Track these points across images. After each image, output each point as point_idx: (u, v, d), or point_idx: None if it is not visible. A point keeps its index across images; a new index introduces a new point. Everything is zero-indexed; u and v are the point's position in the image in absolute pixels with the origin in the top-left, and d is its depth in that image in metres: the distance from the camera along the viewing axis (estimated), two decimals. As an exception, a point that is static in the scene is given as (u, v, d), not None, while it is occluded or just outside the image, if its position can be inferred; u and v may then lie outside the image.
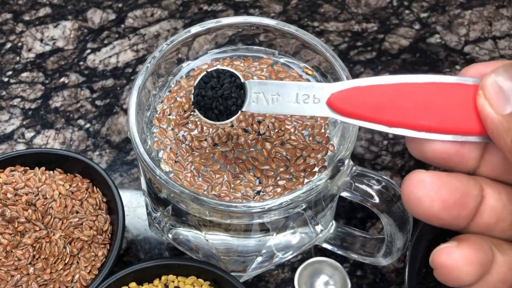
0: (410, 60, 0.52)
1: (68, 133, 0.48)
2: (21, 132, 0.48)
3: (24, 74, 0.52)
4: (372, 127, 0.26)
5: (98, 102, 0.50)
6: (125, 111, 0.49)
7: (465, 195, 0.25)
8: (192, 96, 0.30)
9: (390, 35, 0.54)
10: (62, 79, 0.51)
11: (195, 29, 0.36)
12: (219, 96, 0.29)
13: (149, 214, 0.39)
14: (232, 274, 0.37)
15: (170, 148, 0.34)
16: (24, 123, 0.49)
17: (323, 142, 0.34)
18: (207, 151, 0.34)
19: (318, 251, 0.42)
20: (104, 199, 0.40)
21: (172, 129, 0.34)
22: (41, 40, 0.54)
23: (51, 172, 0.41)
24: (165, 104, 0.35)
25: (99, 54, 0.53)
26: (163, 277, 0.37)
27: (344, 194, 0.32)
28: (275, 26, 0.36)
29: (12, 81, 0.51)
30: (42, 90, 0.51)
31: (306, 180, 0.33)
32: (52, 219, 0.39)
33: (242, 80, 0.29)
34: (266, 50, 0.37)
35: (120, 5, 0.56)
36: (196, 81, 0.30)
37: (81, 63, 0.52)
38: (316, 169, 0.33)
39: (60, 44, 0.53)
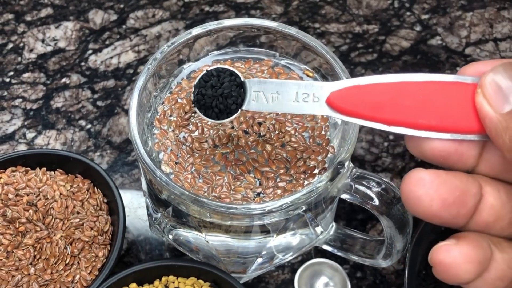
0: (411, 62, 0.53)
1: (69, 133, 0.48)
2: (22, 133, 0.49)
3: (26, 75, 0.52)
4: (371, 126, 0.26)
5: (99, 103, 0.50)
6: (126, 112, 0.49)
7: (464, 193, 0.25)
8: (192, 95, 0.30)
9: (391, 37, 0.54)
10: (63, 80, 0.51)
11: (196, 30, 0.36)
12: (219, 95, 0.29)
13: (149, 215, 0.39)
14: (232, 275, 0.37)
15: (171, 150, 0.34)
16: (26, 123, 0.49)
17: (324, 144, 0.34)
18: (208, 152, 0.34)
19: (318, 252, 0.42)
20: (105, 200, 0.41)
21: (173, 131, 0.34)
22: (43, 41, 0.54)
23: (52, 172, 0.41)
24: (166, 106, 0.35)
25: (101, 55, 0.53)
26: (164, 278, 0.37)
27: (344, 196, 0.32)
28: (276, 28, 0.36)
29: (13, 81, 0.51)
30: (44, 90, 0.51)
31: (306, 182, 0.33)
32: (53, 219, 0.39)
33: (242, 79, 0.29)
34: (267, 52, 0.38)
35: (121, 6, 0.56)
36: (196, 80, 0.30)
37: (83, 63, 0.52)
38: (316, 171, 0.33)
39: (61, 44, 0.54)
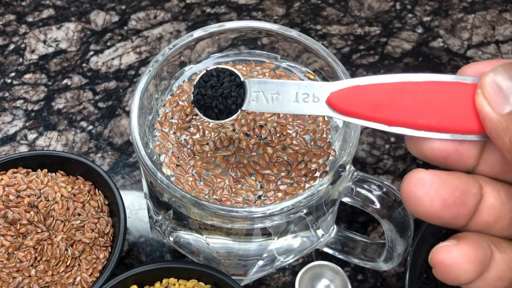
0: (412, 64, 0.52)
1: (70, 135, 0.48)
2: (23, 134, 0.49)
3: (27, 76, 0.52)
4: (371, 126, 0.26)
5: (100, 104, 0.50)
6: (128, 114, 0.49)
7: (464, 193, 0.25)
8: (192, 95, 0.30)
9: (392, 39, 0.54)
10: (65, 81, 0.51)
11: (197, 33, 0.36)
12: (219, 95, 0.29)
13: (150, 217, 0.39)
14: (233, 277, 0.37)
15: (172, 152, 0.34)
16: (27, 124, 0.49)
17: (325, 147, 0.34)
18: (209, 155, 0.34)
19: (319, 255, 0.42)
20: (106, 202, 0.41)
21: (174, 133, 0.34)
22: (44, 42, 0.54)
23: (54, 174, 0.41)
24: (167, 108, 0.35)
25: (102, 56, 0.53)
26: (164, 280, 0.37)
27: (345, 199, 0.32)
28: (277, 31, 0.36)
29: (15, 82, 0.51)
30: (45, 91, 0.51)
31: (307, 185, 0.33)
32: (54, 221, 0.39)
33: (242, 79, 0.29)
34: (268, 54, 0.38)
35: (123, 7, 0.56)
36: (196, 80, 0.30)
37: (84, 65, 0.52)
38: (317, 174, 0.33)
39: (63, 45, 0.54)
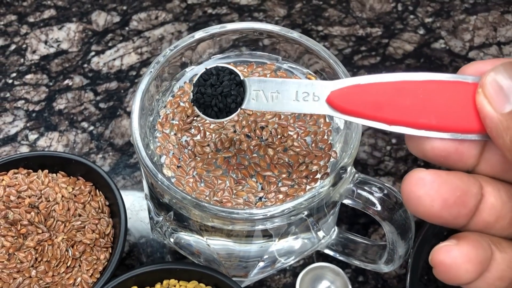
0: (414, 65, 0.52)
1: (71, 135, 0.48)
2: (24, 134, 0.49)
3: (28, 76, 0.52)
4: (372, 125, 0.26)
5: (101, 105, 0.50)
6: (129, 114, 0.49)
7: (465, 193, 0.25)
8: (191, 94, 0.30)
9: (394, 40, 0.54)
10: (66, 82, 0.51)
11: (199, 34, 0.36)
12: (219, 94, 0.29)
13: (151, 218, 0.39)
14: (234, 279, 0.37)
15: (173, 153, 0.34)
16: (28, 125, 0.49)
17: (326, 149, 0.34)
18: (210, 156, 0.34)
19: (320, 256, 0.42)
20: (107, 203, 0.40)
21: (175, 134, 0.34)
22: (46, 42, 0.54)
23: (54, 175, 0.41)
24: (168, 109, 0.35)
25: (103, 57, 0.53)
26: (165, 281, 0.37)
27: (346, 201, 0.32)
28: (278, 32, 0.36)
29: (16, 83, 0.51)
30: (46, 92, 0.51)
31: (308, 187, 0.33)
32: (55, 222, 0.39)
33: (242, 78, 0.29)
34: (269, 55, 0.38)
35: (124, 7, 0.56)
36: (196, 79, 0.30)
37: (85, 65, 0.52)
38: (318, 175, 0.33)
39: (64, 46, 0.54)
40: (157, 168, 0.31)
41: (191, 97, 0.30)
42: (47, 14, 0.56)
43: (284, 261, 0.38)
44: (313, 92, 0.28)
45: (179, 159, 0.34)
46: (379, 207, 0.31)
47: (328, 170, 0.33)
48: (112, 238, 0.39)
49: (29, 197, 0.39)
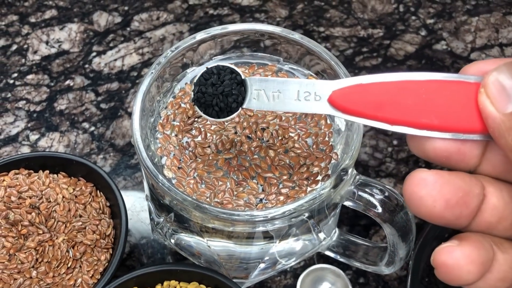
0: (415, 67, 0.52)
1: (72, 136, 0.48)
2: (25, 135, 0.49)
3: (30, 77, 0.52)
4: (373, 125, 0.26)
5: (103, 105, 0.50)
6: (130, 115, 0.49)
7: (467, 194, 0.24)
8: (192, 93, 0.30)
9: (396, 41, 0.54)
10: (67, 82, 0.51)
11: (200, 35, 0.36)
12: (220, 93, 0.29)
13: (152, 219, 0.39)
14: (234, 280, 0.37)
15: (174, 155, 0.34)
16: (29, 125, 0.49)
17: (327, 151, 0.34)
18: (211, 157, 0.34)
19: (321, 258, 0.42)
20: (108, 203, 0.40)
21: (176, 135, 0.34)
22: (47, 43, 0.54)
23: (55, 175, 0.41)
24: (169, 110, 0.35)
25: (105, 57, 0.53)
26: (165, 283, 0.37)
27: (347, 203, 0.32)
28: (279, 33, 0.36)
29: (17, 83, 0.51)
30: (47, 92, 0.51)
31: (309, 189, 0.33)
32: (56, 222, 0.39)
33: (243, 77, 0.29)
34: (271, 56, 0.37)
35: (126, 8, 0.56)
36: (196, 78, 0.30)
37: (87, 66, 0.52)
38: (319, 177, 0.33)
39: (65, 46, 0.54)
40: (158, 169, 0.31)
41: (192, 96, 0.30)
42: (48, 14, 0.56)
43: (285, 262, 0.38)
44: (314, 92, 0.27)
45: (180, 160, 0.33)
46: (380, 209, 0.31)
47: (329, 172, 0.33)
48: (112, 239, 0.39)
49: (30, 197, 0.39)
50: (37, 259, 0.38)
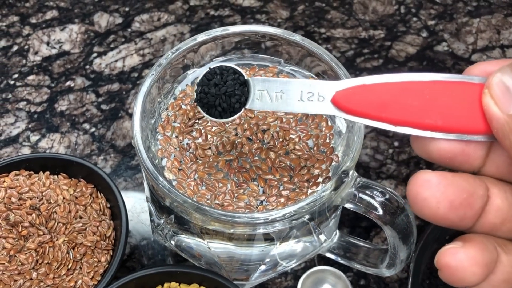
0: (417, 68, 0.52)
1: (73, 137, 0.48)
2: (26, 136, 0.49)
3: (30, 77, 0.52)
4: (377, 126, 0.26)
5: (103, 106, 0.50)
6: (131, 116, 0.49)
7: (471, 195, 0.24)
8: (194, 93, 0.30)
9: (397, 43, 0.54)
10: (68, 83, 0.51)
11: (201, 37, 0.35)
12: (223, 94, 0.29)
13: (152, 220, 0.39)
14: (235, 282, 0.37)
15: (174, 156, 0.34)
16: (30, 126, 0.49)
17: (328, 153, 0.34)
18: (211, 159, 0.33)
19: (322, 259, 0.42)
20: (108, 205, 0.40)
21: (177, 137, 0.34)
22: (48, 43, 0.54)
23: (56, 176, 0.41)
24: (170, 112, 0.35)
25: (105, 58, 0.53)
26: (166, 284, 0.37)
27: (348, 205, 0.32)
28: (280, 35, 0.36)
29: (18, 84, 0.51)
30: (48, 93, 0.51)
31: (309, 191, 0.32)
32: (56, 224, 0.39)
33: (246, 77, 0.29)
34: (271, 58, 0.37)
35: (127, 9, 0.56)
36: (199, 78, 0.30)
37: (87, 66, 0.52)
38: (320, 179, 0.33)
39: (66, 47, 0.53)
40: (158, 171, 0.31)
41: (195, 96, 0.30)
42: (49, 15, 0.56)
43: (286, 264, 0.38)
44: (318, 92, 0.27)
45: (181, 162, 0.33)
46: (380, 212, 0.31)
47: (330, 174, 0.33)
48: (113, 240, 0.39)
49: (30, 199, 0.39)
50: (37, 261, 0.38)
